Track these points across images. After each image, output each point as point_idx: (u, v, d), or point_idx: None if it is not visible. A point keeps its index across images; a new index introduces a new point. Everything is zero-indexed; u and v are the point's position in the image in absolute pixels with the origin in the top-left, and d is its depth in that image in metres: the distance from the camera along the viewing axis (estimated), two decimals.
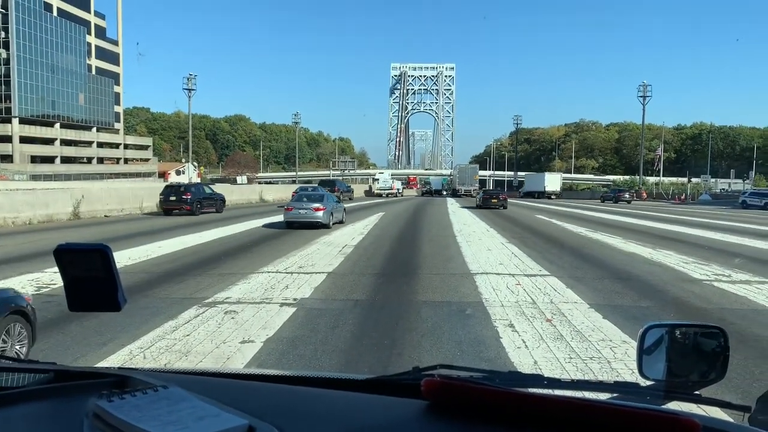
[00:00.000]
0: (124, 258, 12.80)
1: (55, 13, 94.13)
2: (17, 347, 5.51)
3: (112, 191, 32.05)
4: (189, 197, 29.11)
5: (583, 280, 11.07)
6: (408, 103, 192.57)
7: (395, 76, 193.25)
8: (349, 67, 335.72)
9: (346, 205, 28.08)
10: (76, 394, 1.20)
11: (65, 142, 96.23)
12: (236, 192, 47.10)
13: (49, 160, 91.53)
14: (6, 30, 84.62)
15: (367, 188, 78.40)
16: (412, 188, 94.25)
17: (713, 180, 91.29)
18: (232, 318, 7.77)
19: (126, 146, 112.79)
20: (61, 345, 6.45)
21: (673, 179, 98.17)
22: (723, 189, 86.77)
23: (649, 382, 1.45)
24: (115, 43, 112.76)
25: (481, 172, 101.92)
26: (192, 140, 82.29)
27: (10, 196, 24.04)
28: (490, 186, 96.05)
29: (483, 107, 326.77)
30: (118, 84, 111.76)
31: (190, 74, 71.23)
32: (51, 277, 10.23)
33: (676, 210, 44.60)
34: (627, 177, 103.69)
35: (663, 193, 76.10)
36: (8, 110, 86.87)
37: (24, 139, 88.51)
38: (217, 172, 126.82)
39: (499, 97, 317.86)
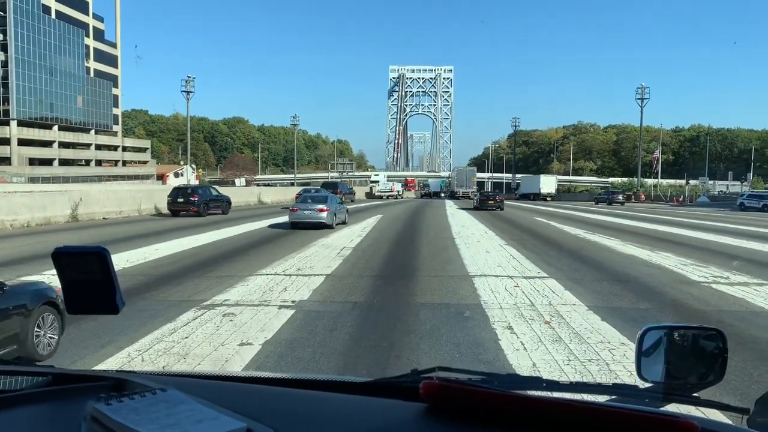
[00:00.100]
0: (122, 260, 12.77)
1: (53, 16, 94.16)
2: (49, 335, 6.07)
3: (110, 194, 32.00)
4: (196, 199, 29.67)
5: (581, 282, 11.07)
6: (406, 105, 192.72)
7: (393, 78, 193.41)
8: (347, 70, 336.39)
9: (348, 207, 28.55)
10: (74, 397, 1.20)
11: (63, 145, 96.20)
12: (235, 194, 46.89)
13: (48, 162, 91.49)
14: (4, 32, 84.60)
15: (368, 190, 78.82)
16: (410, 190, 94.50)
17: (711, 182, 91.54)
18: (231, 320, 7.76)
19: (124, 149, 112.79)
20: (59, 348, 6.43)
21: (672, 181, 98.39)
22: (721, 191, 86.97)
23: (647, 384, 1.45)
24: (114, 45, 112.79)
25: (480, 174, 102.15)
26: (190, 142, 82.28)
27: (8, 198, 24.01)
28: (489, 188, 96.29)
29: (481, 109, 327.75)
30: (116, 86, 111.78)
31: (189, 76, 71.27)
32: (49, 280, 10.18)
33: (674, 212, 44.66)
34: (625, 179, 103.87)
35: (661, 195, 76.19)
36: (6, 113, 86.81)
37: (22, 142, 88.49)
38: (215, 175, 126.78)
39: (497, 99, 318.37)
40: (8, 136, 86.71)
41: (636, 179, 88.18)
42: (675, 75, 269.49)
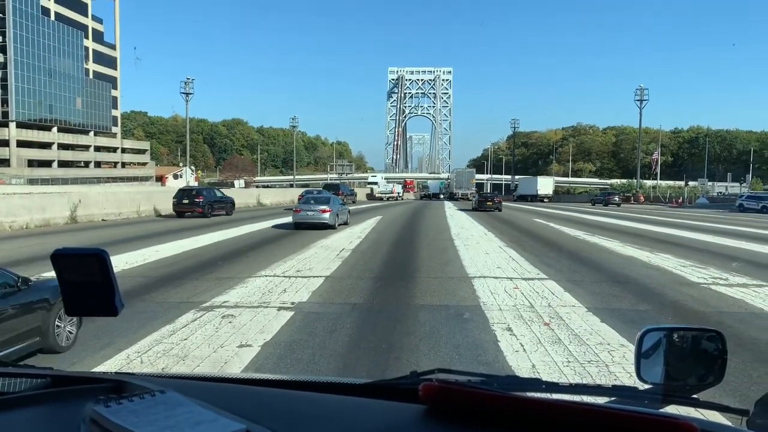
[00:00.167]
0: (121, 262, 12.77)
1: (52, 18, 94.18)
2: (69, 328, 6.44)
3: (109, 195, 31.98)
4: (201, 200, 30.30)
5: (580, 284, 11.07)
6: (405, 107, 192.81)
7: (393, 80, 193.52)
8: (347, 71, 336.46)
9: (349, 208, 29.03)
10: (73, 399, 1.19)
11: (62, 146, 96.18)
12: (234, 196, 46.75)
13: (47, 164, 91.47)
14: (3, 34, 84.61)
15: (369, 192, 79.59)
16: (408, 192, 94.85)
17: (710, 183, 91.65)
18: (230, 322, 7.75)
19: (123, 150, 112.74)
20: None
21: (671, 183, 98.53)
22: (720, 192, 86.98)
23: (647, 386, 1.45)
24: (113, 47, 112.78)
25: (479, 176, 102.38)
26: (189, 144, 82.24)
27: (7, 200, 23.98)
28: (488, 189, 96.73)
29: (480, 111, 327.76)
30: (115, 88, 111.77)
31: (188, 78, 71.36)
32: None
33: (673, 213, 44.69)
34: (624, 180, 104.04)
35: (660, 197, 76.26)
36: (5, 114, 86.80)
37: (21, 143, 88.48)
38: (214, 176, 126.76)
39: (496, 100, 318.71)
40: (7, 137, 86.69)
41: (635, 181, 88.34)
42: (674, 76, 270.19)
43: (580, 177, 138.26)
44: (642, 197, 74.59)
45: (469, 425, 1.08)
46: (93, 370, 5.49)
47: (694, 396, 1.44)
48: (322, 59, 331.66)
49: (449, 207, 50.37)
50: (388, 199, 72.93)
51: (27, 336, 5.76)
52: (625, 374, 5.61)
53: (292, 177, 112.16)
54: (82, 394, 1.19)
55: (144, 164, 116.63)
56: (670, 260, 14.67)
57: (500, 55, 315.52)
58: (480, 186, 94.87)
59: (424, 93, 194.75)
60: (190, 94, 71.27)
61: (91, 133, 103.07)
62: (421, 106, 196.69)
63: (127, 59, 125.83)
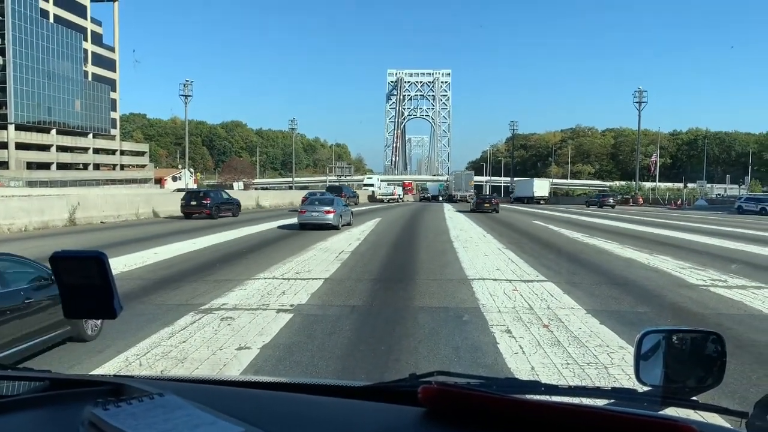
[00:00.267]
0: (120, 264, 12.76)
1: (51, 20, 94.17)
2: (92, 321, 6.83)
3: (108, 198, 31.99)
4: (209, 202, 31.03)
5: (580, 286, 11.07)
6: (404, 109, 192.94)
7: (392, 82, 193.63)
8: (346, 73, 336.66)
9: (352, 209, 29.76)
10: (72, 402, 1.19)
11: (61, 149, 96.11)
12: None
13: (45, 166, 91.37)
14: (2, 36, 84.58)
15: (370, 193, 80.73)
16: (407, 194, 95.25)
17: (709, 185, 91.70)
18: (229, 324, 7.74)
19: (122, 152, 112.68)
20: (56, 352, 6.41)
21: (670, 184, 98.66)
22: (719, 194, 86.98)
23: (646, 388, 1.45)
24: (112, 49, 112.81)
25: (478, 178, 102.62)
26: (188, 146, 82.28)
27: (6, 202, 23.96)
28: (487, 191, 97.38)
29: (479, 113, 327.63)
30: (114, 90, 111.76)
31: (187, 80, 71.44)
32: None
33: (672, 215, 44.72)
34: (623, 182, 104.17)
35: (659, 199, 76.37)
36: (4, 116, 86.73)
37: (20, 146, 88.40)
38: (213, 178, 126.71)
39: (495, 102, 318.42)
40: (6, 140, 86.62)
41: (634, 183, 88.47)
42: (673, 77, 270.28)
43: (579, 179, 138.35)
44: (641, 199, 74.72)
45: (468, 428, 1.08)
46: (91, 372, 5.49)
47: (694, 398, 1.44)
48: (321, 61, 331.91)
49: (448, 209, 50.41)
50: (388, 201, 74.51)
51: (61, 325, 6.24)
52: (624, 376, 5.61)
53: (291, 179, 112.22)
54: (81, 397, 1.18)
55: (143, 166, 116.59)
56: (669, 262, 14.68)
57: (499, 57, 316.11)
58: (479, 188, 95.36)
59: (423, 95, 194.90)
60: (189, 96, 71.42)
61: (90, 136, 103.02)
62: (420, 108, 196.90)
63: (126, 61, 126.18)
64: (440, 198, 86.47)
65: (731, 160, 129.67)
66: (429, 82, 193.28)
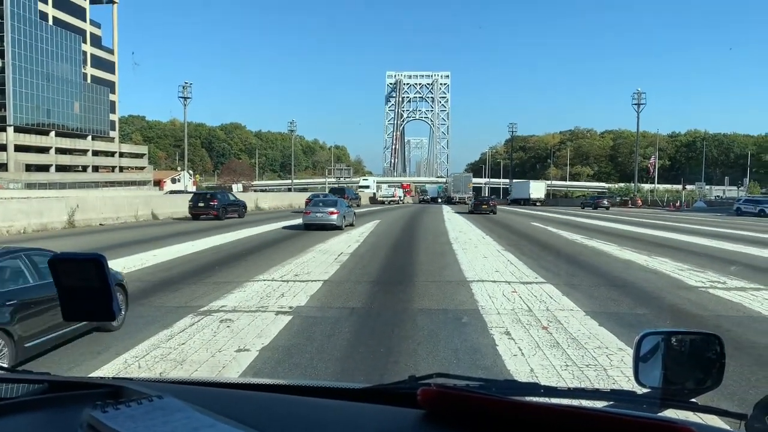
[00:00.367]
0: (119, 267, 12.73)
1: (50, 22, 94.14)
2: None
3: (107, 200, 32.00)
4: (216, 203, 31.93)
5: (579, 288, 11.08)
6: (403, 111, 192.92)
7: (390, 84, 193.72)
8: (345, 75, 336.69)
9: (355, 210, 30.76)
10: (70, 404, 1.19)
11: (60, 151, 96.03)
12: None
13: (44, 168, 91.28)
14: (1, 39, 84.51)
15: (372, 195, 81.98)
16: (406, 195, 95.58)
17: (708, 187, 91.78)
18: (228, 326, 7.74)
19: (121, 154, 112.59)
20: (55, 354, 6.41)
21: (668, 186, 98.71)
22: (717, 196, 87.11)
23: (645, 390, 1.45)
24: (111, 51, 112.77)
25: (477, 180, 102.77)
26: (188, 148, 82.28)
27: (5, 204, 23.94)
28: (486, 193, 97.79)
29: (478, 114, 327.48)
30: (113, 92, 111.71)
31: (186, 82, 71.40)
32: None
33: (671, 217, 44.75)
34: (622, 184, 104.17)
35: (658, 201, 76.45)
36: (3, 119, 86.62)
37: (19, 148, 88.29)
38: (212, 180, 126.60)
39: (494, 104, 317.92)
40: (5, 142, 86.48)
41: (633, 184, 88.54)
42: (672, 79, 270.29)
43: (578, 181, 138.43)
44: (639, 201, 74.83)
45: (467, 430, 1.08)
46: (90, 375, 5.48)
47: (693, 400, 1.44)
48: (320, 62, 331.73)
49: (447, 211, 50.47)
50: (389, 202, 75.85)
51: None
52: (624, 378, 5.61)
53: (290, 181, 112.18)
54: (80, 400, 1.18)
55: (142, 168, 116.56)
56: (668, 264, 14.69)
57: (498, 59, 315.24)
58: (478, 190, 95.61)
59: (422, 97, 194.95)
60: (188, 98, 71.37)
61: (89, 138, 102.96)
62: (419, 110, 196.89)
63: (125, 63, 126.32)
64: (439, 200, 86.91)
65: (730, 162, 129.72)
66: (428, 84, 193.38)
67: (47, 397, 1.27)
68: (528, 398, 1.25)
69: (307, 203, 30.33)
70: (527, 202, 76.22)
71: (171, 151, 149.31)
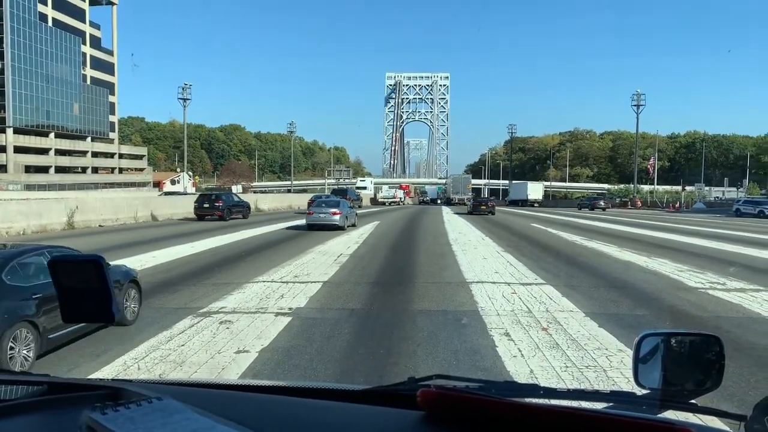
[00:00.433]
0: None
1: (50, 23, 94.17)
2: (133, 305, 7.91)
3: (106, 201, 32.00)
4: (221, 204, 32.61)
5: (578, 289, 11.08)
6: (403, 113, 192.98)
7: (390, 85, 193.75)
8: (344, 77, 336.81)
9: (356, 211, 31.45)
10: (70, 406, 1.19)
11: (60, 152, 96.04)
12: None
13: (44, 169, 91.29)
14: (1, 40, 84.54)
15: (372, 196, 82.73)
16: (405, 197, 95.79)
17: (707, 188, 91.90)
18: (227, 328, 7.74)
19: (121, 156, 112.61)
20: (54, 356, 6.40)
21: (668, 187, 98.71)
22: (717, 197, 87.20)
23: (645, 391, 1.45)
24: (110, 53, 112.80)
25: (476, 181, 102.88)
26: (187, 150, 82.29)
27: (4, 206, 23.95)
28: (485, 194, 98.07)
29: (478, 116, 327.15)
30: (113, 94, 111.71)
31: (185, 84, 71.44)
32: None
33: (670, 218, 44.77)
34: (622, 185, 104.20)
35: (657, 202, 76.50)
36: (3, 120, 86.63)
37: (18, 149, 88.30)
38: (212, 182, 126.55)
39: (494, 105, 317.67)
40: (4, 143, 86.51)
41: (632, 186, 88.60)
42: (671, 80, 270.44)
43: (577, 182, 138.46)
44: (639, 202, 74.88)
45: (467, 431, 1.08)
46: (89, 376, 5.47)
47: (692, 401, 1.44)
48: (320, 62, 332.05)
49: (447, 212, 50.49)
50: (390, 203, 76.55)
51: None
52: (623, 379, 5.61)
53: (289, 182, 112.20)
54: (79, 402, 1.18)
55: (141, 170, 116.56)
56: (668, 265, 14.69)
57: (498, 59, 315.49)
58: (477, 191, 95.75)
59: (421, 98, 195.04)
60: (188, 99, 71.44)
61: (89, 139, 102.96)
62: (419, 112, 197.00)
63: (125, 65, 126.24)
64: (439, 201, 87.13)
65: (729, 163, 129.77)
66: (427, 85, 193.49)
67: (47, 398, 1.27)
68: (528, 400, 1.25)
69: (309, 204, 31.11)
70: (525, 203, 76.41)
71: (170, 153, 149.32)
